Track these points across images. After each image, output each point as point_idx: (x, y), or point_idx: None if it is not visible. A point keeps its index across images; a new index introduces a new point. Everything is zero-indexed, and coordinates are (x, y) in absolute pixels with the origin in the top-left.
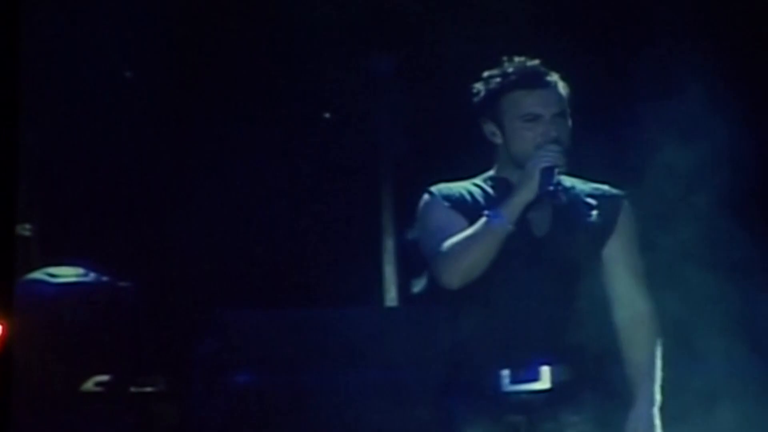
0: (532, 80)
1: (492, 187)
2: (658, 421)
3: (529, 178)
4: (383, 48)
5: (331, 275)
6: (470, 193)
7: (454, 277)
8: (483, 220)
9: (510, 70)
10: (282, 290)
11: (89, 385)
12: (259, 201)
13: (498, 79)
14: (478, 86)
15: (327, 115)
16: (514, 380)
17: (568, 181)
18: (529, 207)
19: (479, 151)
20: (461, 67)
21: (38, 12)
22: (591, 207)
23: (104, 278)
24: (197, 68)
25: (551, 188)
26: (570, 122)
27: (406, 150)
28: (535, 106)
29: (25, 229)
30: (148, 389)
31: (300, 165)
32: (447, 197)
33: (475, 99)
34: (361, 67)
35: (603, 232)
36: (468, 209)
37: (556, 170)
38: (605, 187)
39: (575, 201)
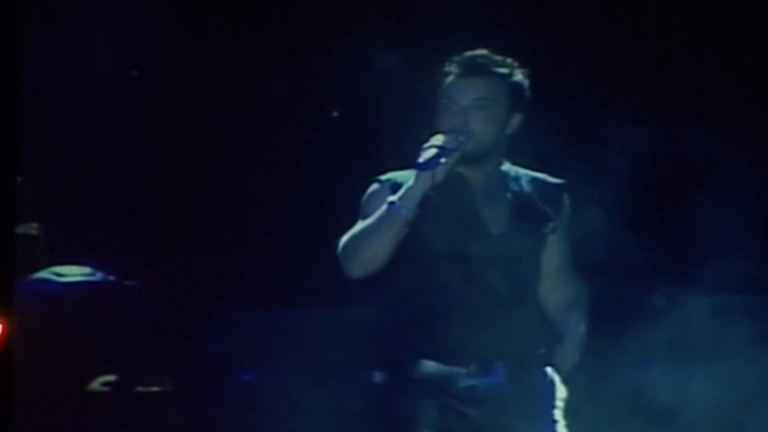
0: (464, 68)
1: None
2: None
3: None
4: (391, 45)
5: (336, 275)
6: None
7: (355, 266)
8: (384, 207)
9: (455, 58)
10: (286, 290)
11: (95, 384)
12: (263, 200)
13: (445, 68)
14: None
15: (335, 113)
16: (470, 375)
17: (512, 171)
18: (484, 205)
19: None
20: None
21: (38, 11)
22: (538, 202)
23: (110, 278)
24: (201, 66)
25: (431, 170)
26: (496, 113)
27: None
28: (456, 92)
29: (31, 228)
30: (154, 389)
31: (305, 164)
32: (393, 186)
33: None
34: (368, 65)
35: (549, 222)
36: None
37: (443, 156)
38: (546, 177)
39: (524, 195)
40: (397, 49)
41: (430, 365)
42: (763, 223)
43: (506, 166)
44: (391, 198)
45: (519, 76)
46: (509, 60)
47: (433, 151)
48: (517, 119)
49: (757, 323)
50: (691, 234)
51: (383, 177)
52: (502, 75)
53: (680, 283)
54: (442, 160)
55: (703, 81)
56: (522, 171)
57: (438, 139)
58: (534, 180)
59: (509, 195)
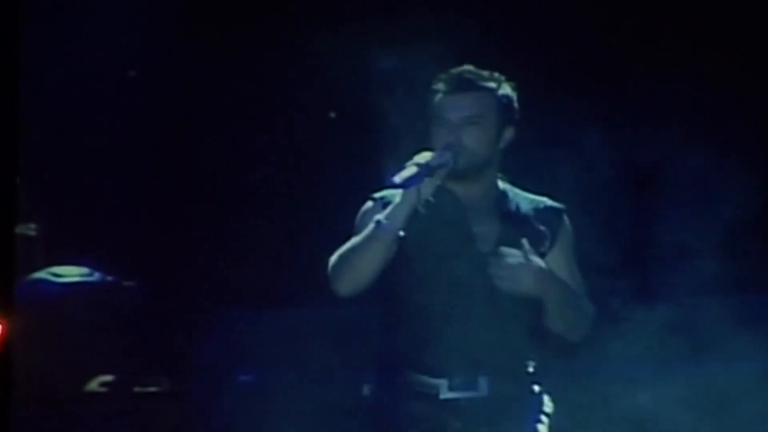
0: (452, 85)
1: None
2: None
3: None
4: (388, 45)
5: None
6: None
7: (342, 284)
8: (371, 226)
9: (441, 76)
10: (284, 290)
11: (93, 384)
12: (262, 200)
13: (433, 86)
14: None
15: (332, 114)
16: (453, 388)
17: (511, 192)
18: (477, 222)
19: None
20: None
21: (38, 11)
22: (534, 221)
23: (108, 278)
24: (200, 68)
25: (412, 189)
26: (488, 127)
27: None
28: (447, 110)
29: (29, 229)
30: (152, 389)
31: (304, 164)
32: (385, 204)
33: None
34: (366, 66)
35: (545, 245)
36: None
37: (426, 174)
38: (546, 200)
39: (520, 214)
40: (395, 50)
41: (417, 376)
42: (732, 225)
43: (506, 186)
44: (378, 216)
45: (507, 89)
46: (496, 74)
47: (413, 170)
48: (509, 133)
49: (732, 325)
50: (661, 238)
51: (377, 195)
52: (490, 89)
53: (652, 286)
54: (426, 177)
55: (688, 88)
56: (521, 192)
57: (421, 157)
58: (532, 201)
59: (504, 213)
